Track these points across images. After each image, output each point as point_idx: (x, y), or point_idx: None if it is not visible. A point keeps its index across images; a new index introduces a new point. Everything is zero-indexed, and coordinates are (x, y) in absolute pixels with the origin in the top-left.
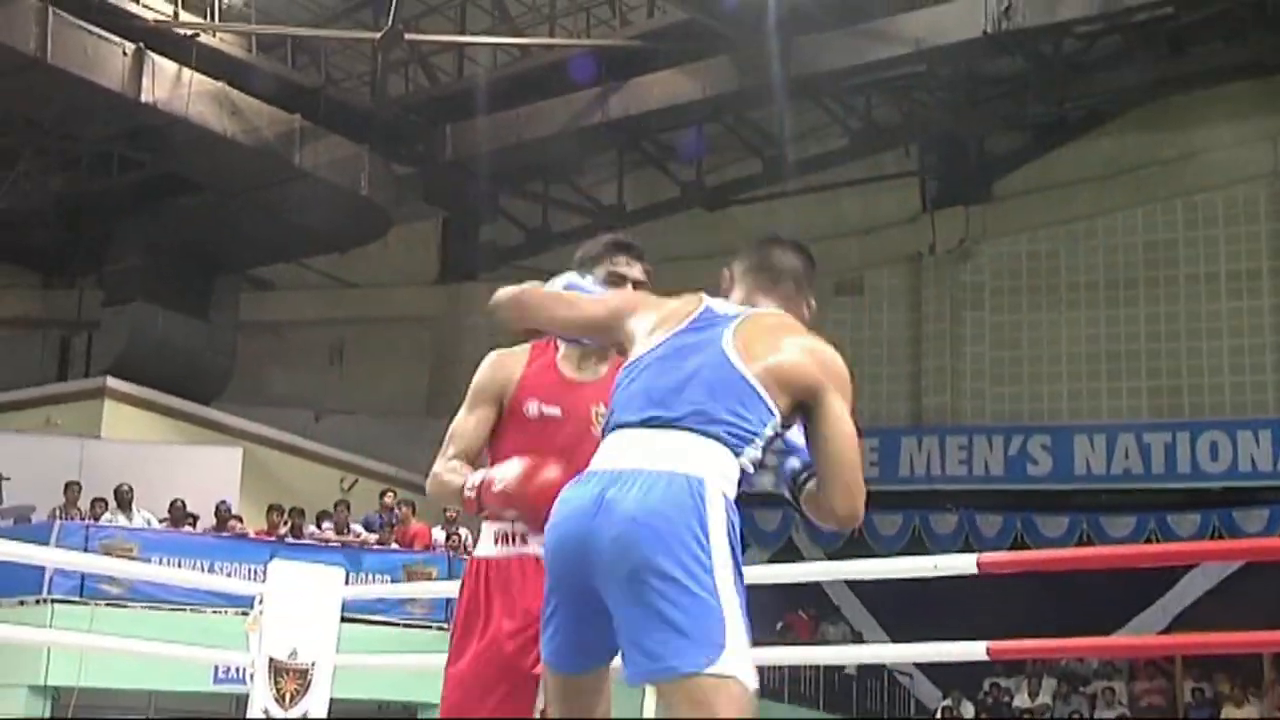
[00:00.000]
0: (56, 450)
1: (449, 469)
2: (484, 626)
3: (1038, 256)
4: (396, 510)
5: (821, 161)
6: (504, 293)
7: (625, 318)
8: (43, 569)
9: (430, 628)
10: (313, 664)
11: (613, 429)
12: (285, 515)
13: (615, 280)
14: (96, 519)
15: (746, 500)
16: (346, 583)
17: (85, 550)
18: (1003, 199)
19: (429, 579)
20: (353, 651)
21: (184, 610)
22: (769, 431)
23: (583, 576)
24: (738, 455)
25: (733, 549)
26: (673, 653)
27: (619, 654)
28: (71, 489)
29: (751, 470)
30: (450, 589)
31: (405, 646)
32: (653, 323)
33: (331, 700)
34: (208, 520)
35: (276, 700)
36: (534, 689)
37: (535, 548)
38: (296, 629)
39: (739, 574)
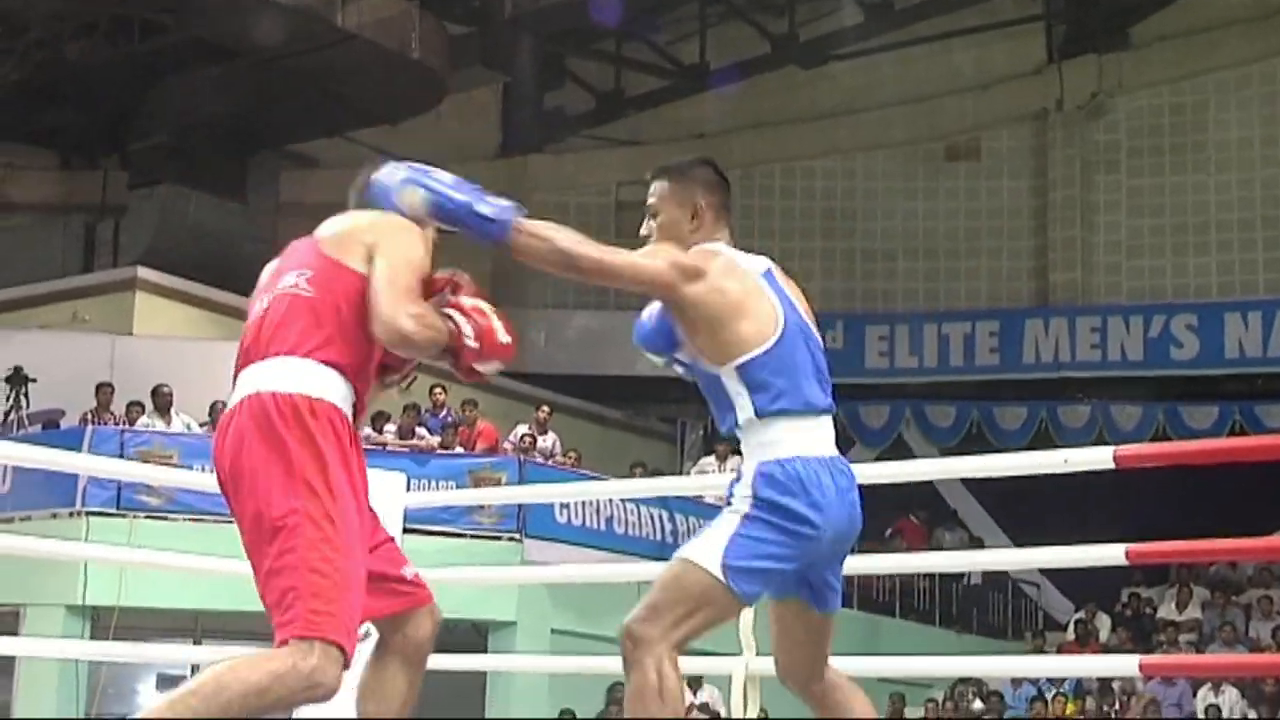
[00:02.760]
0: (85, 348)
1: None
2: (357, 493)
3: (1182, 110)
4: (453, 409)
5: (931, 8)
6: (557, 241)
7: (695, 277)
8: (75, 478)
9: (500, 538)
10: None
11: (818, 411)
12: None
13: None
14: (132, 423)
15: (851, 394)
16: (406, 489)
17: (121, 457)
18: (1142, 45)
19: (498, 485)
20: (416, 566)
21: (230, 522)
22: None
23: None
24: None
25: None
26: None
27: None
28: (103, 391)
29: None
30: (523, 495)
31: (473, 559)
32: (748, 285)
33: None
34: None
35: None
36: None
37: None
38: None
39: None
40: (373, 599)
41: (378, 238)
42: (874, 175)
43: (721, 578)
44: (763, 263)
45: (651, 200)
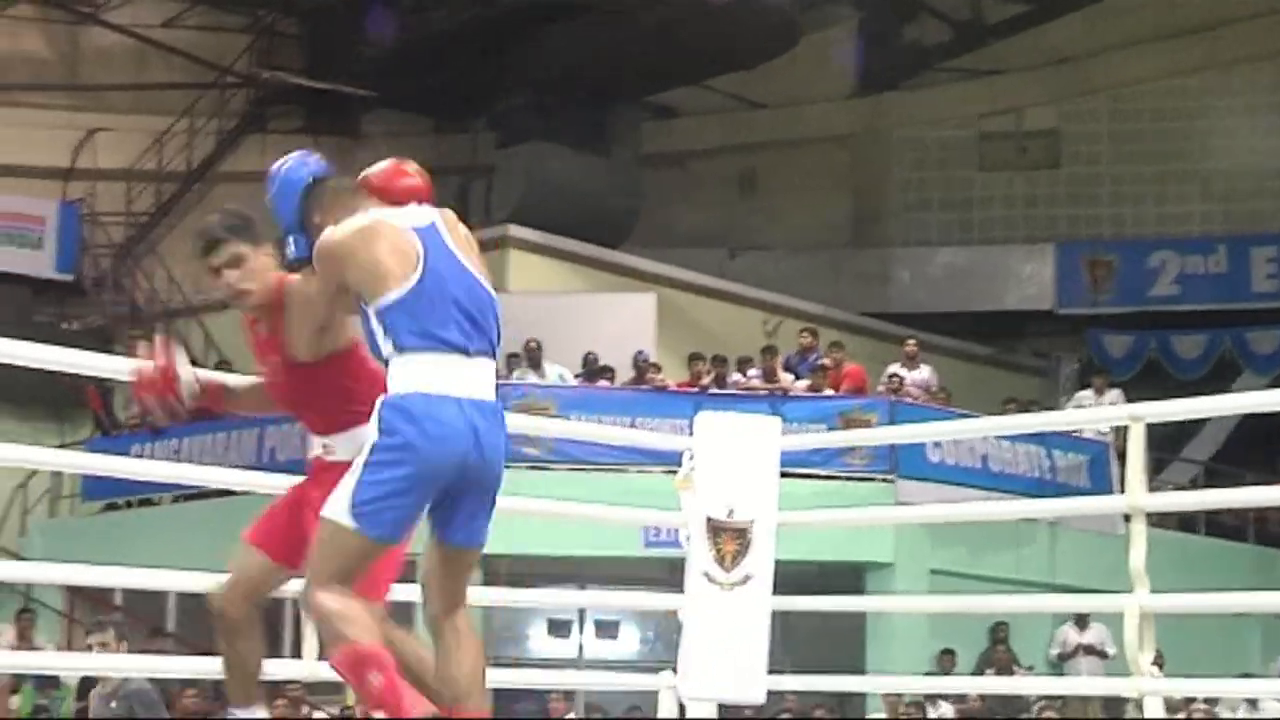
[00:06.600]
0: None
1: None
2: None
3: None
4: (820, 351)
5: None
6: None
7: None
8: None
9: (874, 479)
10: (752, 522)
11: (459, 350)
12: (708, 364)
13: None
14: (509, 377)
15: (1237, 320)
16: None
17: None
18: None
19: (868, 425)
20: (790, 509)
21: (608, 470)
22: None
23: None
24: None
25: None
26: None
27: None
28: None
29: None
30: (894, 435)
31: (846, 501)
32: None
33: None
34: (624, 373)
35: (716, 562)
36: None
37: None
38: (731, 485)
39: None
40: None
41: None
42: (1255, 90)
43: (352, 525)
44: (426, 216)
45: None
